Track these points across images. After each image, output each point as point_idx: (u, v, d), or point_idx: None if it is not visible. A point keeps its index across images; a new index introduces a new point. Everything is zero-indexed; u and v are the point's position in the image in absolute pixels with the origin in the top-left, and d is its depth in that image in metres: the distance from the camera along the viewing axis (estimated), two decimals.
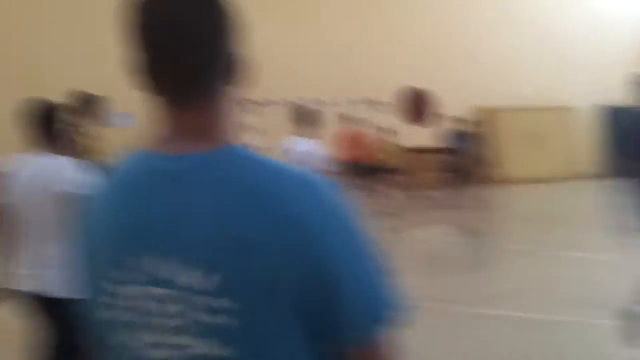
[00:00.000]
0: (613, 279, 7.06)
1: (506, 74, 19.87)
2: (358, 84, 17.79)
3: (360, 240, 1.11)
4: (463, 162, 15.51)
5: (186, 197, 1.08)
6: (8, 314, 4.06)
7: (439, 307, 6.50)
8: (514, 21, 20.18)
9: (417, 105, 15.80)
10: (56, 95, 4.65)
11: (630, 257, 6.77)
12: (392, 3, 19.02)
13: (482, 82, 19.44)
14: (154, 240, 1.09)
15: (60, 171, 3.36)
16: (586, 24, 20.98)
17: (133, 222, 1.11)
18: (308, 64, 17.49)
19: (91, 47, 15.02)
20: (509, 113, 19.65)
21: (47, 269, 3.37)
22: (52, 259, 3.35)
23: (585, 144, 20.54)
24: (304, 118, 7.00)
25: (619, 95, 19.47)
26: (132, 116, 12.90)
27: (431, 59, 18.83)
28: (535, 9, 20.52)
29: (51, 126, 3.45)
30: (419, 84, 16.28)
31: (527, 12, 20.42)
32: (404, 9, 19.06)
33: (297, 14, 17.81)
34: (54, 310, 3.40)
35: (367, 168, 13.58)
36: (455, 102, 17.69)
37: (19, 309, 3.62)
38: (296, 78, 16.91)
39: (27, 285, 3.44)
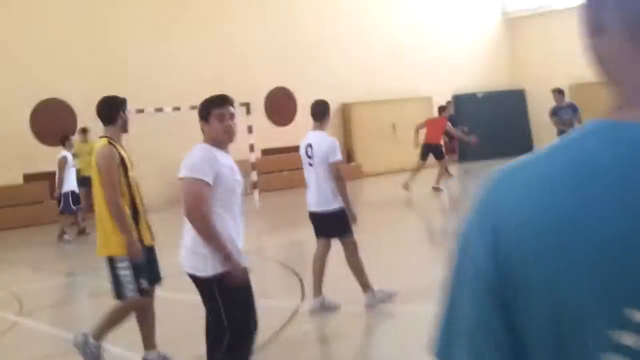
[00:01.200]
0: None
1: (365, 70, 20.71)
2: (227, 88, 17.66)
3: None
4: None
5: None
6: None
7: None
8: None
9: (284, 106, 16.09)
10: None
11: None
12: (258, 14, 19.45)
13: (341, 80, 20.19)
14: None
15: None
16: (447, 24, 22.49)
17: None
18: (180, 71, 17.59)
19: None
20: (367, 106, 20.47)
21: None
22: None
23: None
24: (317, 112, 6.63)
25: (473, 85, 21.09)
26: None
27: (291, 64, 19.38)
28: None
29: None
30: (284, 85, 16.67)
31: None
32: (269, 18, 19.58)
33: (161, 21, 17.75)
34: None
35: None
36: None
37: None
38: (169, 85, 17.05)
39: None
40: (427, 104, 21.37)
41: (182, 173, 3.71)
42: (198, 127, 3.99)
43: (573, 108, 13.17)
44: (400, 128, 20.50)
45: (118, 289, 4.85)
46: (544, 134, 20.60)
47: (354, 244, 6.27)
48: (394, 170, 19.57)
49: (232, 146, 13.16)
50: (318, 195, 6.28)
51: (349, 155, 20.41)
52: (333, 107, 21.40)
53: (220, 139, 3.93)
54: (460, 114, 21.43)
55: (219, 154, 3.89)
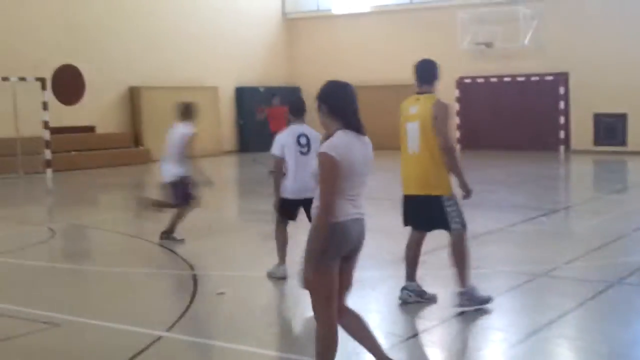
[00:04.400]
0: None
1: (155, 56, 21.08)
2: (12, 61, 17.30)
3: None
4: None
5: None
6: None
7: None
8: (167, 9, 21.58)
9: (71, 84, 16.05)
10: None
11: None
12: None
13: (131, 62, 20.40)
14: None
15: None
16: (233, 20, 23.31)
17: None
18: None
19: None
20: (156, 91, 20.64)
21: None
22: None
23: (228, 122, 22.91)
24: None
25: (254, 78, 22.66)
26: None
27: (81, 39, 19.03)
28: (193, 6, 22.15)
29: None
30: (70, 62, 16.49)
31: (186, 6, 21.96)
32: None
33: None
34: None
35: None
36: (105, 80, 18.96)
37: None
38: None
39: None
40: (213, 94, 22.25)
41: None
42: None
43: None
44: None
45: (446, 222, 5.48)
46: (313, 124, 22.27)
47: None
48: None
49: (22, 122, 14.12)
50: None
51: (137, 140, 20.48)
52: (121, 89, 20.47)
53: None
54: (243, 105, 22.78)
55: None
